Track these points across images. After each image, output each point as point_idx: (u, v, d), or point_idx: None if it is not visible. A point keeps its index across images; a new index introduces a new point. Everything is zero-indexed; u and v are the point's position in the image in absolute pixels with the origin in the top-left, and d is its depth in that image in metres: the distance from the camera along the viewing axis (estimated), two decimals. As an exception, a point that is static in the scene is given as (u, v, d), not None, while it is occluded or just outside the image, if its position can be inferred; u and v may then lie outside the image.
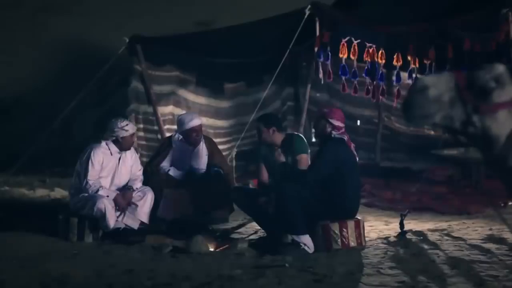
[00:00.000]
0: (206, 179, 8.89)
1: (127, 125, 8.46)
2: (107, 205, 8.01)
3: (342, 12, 11.68)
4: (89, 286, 5.93)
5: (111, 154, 8.45)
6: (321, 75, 11.22)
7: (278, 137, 8.19)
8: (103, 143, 8.45)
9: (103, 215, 8.00)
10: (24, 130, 15.29)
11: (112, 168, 8.48)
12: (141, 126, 12.77)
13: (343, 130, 7.65)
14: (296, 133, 8.86)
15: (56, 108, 13.05)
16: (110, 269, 6.51)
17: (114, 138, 8.44)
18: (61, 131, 14.51)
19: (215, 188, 8.70)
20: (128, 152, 8.60)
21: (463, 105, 3.41)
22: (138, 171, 8.73)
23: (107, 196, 8.16)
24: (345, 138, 7.62)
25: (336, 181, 7.43)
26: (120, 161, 8.53)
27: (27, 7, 18.15)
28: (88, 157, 8.30)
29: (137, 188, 8.49)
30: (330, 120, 7.61)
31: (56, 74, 17.21)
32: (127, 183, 8.57)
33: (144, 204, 8.38)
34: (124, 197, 8.28)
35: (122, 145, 8.47)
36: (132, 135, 8.56)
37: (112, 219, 8.09)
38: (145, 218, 8.40)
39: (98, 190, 8.18)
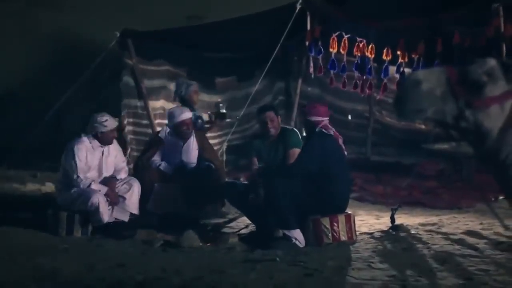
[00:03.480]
0: (197, 173, 8.90)
1: (106, 120, 8.42)
2: (101, 200, 8.01)
3: (333, 6, 11.67)
4: (80, 280, 5.91)
5: (93, 149, 8.44)
6: (311, 70, 11.24)
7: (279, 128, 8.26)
8: (85, 138, 8.43)
9: (96, 209, 7.99)
10: (15, 125, 15.24)
11: (97, 162, 8.47)
12: (131, 120, 12.76)
13: (325, 123, 7.64)
14: (291, 127, 8.89)
15: (47, 102, 13.02)
16: (101, 264, 6.51)
17: (94, 133, 8.44)
18: (52, 126, 14.46)
19: (206, 183, 8.70)
20: (110, 145, 8.60)
21: (455, 99, 3.41)
22: (122, 162, 8.73)
23: (99, 191, 8.16)
24: (331, 132, 7.61)
25: (325, 176, 7.45)
26: (104, 154, 8.52)
27: (17, 0, 18.09)
28: (73, 153, 8.28)
29: (121, 178, 8.49)
30: (308, 118, 7.67)
31: (47, 68, 17.15)
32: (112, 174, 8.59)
33: (132, 195, 8.37)
34: (112, 190, 8.27)
35: (102, 140, 8.45)
36: (112, 130, 8.52)
37: (106, 213, 8.09)
38: (134, 209, 8.39)
39: (90, 185, 8.17)
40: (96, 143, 8.43)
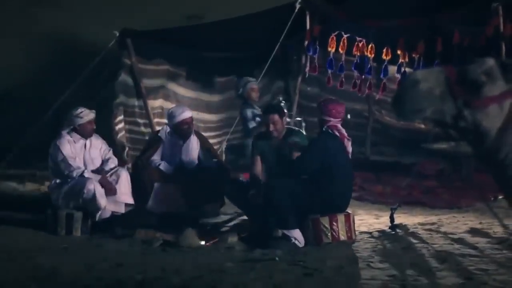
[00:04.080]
0: (197, 173, 8.88)
1: (81, 112, 8.53)
2: (96, 185, 8.05)
3: (332, 6, 11.67)
4: (79, 280, 5.91)
5: (75, 142, 8.51)
6: (307, 69, 11.26)
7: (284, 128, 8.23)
8: (64, 133, 8.52)
9: (93, 196, 8.02)
10: (14, 124, 15.22)
11: (81, 154, 8.52)
12: (128, 119, 12.76)
13: (333, 123, 7.62)
14: (297, 128, 8.89)
15: (46, 101, 13.01)
16: (100, 263, 6.51)
17: (72, 127, 8.49)
18: (51, 125, 14.45)
19: (206, 182, 8.69)
20: (92, 138, 8.67)
21: (454, 99, 3.41)
22: (108, 151, 8.80)
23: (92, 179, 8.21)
24: (336, 132, 7.59)
25: (325, 176, 7.45)
26: (86, 147, 8.59)
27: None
28: (57, 148, 8.39)
29: (110, 169, 8.52)
30: (320, 116, 7.68)
31: (46, 67, 17.14)
32: (101, 166, 8.62)
33: (121, 186, 8.39)
34: (105, 178, 8.31)
35: (81, 132, 8.52)
36: (90, 122, 8.59)
37: (103, 198, 8.13)
38: (127, 199, 8.42)
39: (83, 172, 8.23)
40: (76, 136, 8.53)
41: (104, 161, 8.69)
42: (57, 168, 8.44)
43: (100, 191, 8.12)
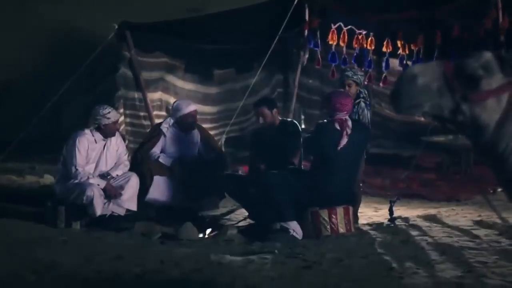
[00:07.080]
0: (197, 165, 8.88)
1: (109, 112, 8.39)
2: (95, 193, 8.00)
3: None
4: (78, 273, 5.91)
5: (96, 142, 8.41)
6: (304, 60, 11.27)
7: (278, 119, 8.37)
8: (87, 131, 8.39)
9: (91, 202, 7.98)
10: (13, 117, 15.23)
11: (97, 155, 8.46)
12: (128, 112, 12.72)
13: (339, 117, 7.56)
14: (290, 119, 8.92)
15: (45, 94, 12.99)
16: (99, 256, 6.51)
17: (96, 125, 8.40)
18: (50, 118, 14.46)
19: (205, 175, 8.68)
20: (112, 138, 8.57)
21: (452, 94, 3.41)
22: (124, 155, 8.73)
23: (98, 185, 8.15)
24: (337, 126, 7.52)
25: (320, 168, 7.50)
26: (105, 148, 8.50)
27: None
28: (74, 145, 8.25)
29: (117, 175, 8.46)
30: (327, 109, 7.68)
31: (45, 60, 17.14)
32: (111, 169, 8.56)
33: (128, 191, 8.35)
34: (111, 185, 8.27)
35: (105, 132, 8.43)
36: (115, 122, 8.51)
37: (99, 206, 8.07)
38: (131, 205, 8.36)
39: (88, 178, 8.16)
40: (98, 136, 8.41)
41: (115, 165, 8.62)
42: (66, 164, 8.40)
43: (98, 200, 8.05)
